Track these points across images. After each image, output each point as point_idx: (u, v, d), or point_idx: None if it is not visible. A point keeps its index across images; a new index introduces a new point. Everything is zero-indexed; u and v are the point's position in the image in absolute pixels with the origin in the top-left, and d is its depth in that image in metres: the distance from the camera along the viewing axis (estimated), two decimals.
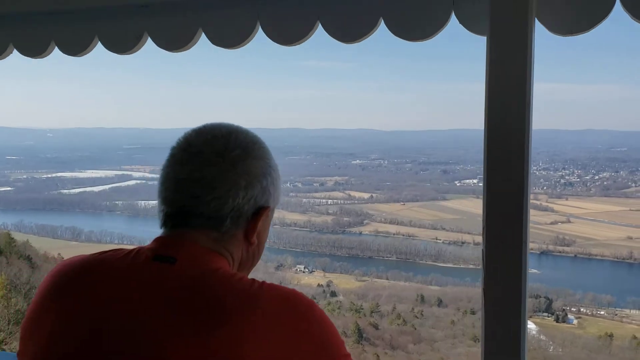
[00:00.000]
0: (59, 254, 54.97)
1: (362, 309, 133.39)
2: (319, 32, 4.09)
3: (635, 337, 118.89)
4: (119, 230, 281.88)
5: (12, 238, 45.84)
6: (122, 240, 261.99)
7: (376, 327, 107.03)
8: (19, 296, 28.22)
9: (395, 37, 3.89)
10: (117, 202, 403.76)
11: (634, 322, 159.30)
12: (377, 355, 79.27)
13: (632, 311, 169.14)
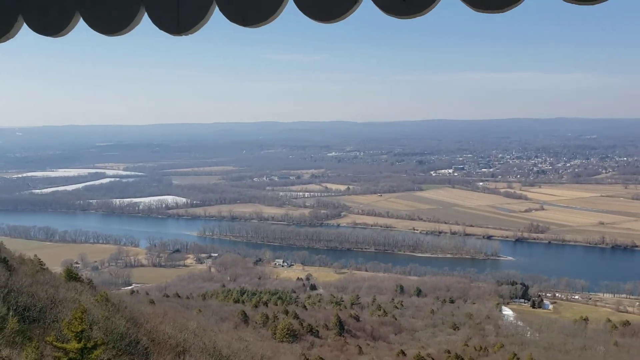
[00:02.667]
0: (36, 255, 54.14)
1: (342, 301, 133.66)
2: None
3: (609, 320, 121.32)
4: (94, 229, 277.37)
5: None
6: (97, 239, 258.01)
7: (357, 319, 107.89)
8: None
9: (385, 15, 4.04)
10: (91, 201, 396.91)
11: (607, 305, 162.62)
12: (359, 347, 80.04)
13: (605, 295, 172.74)
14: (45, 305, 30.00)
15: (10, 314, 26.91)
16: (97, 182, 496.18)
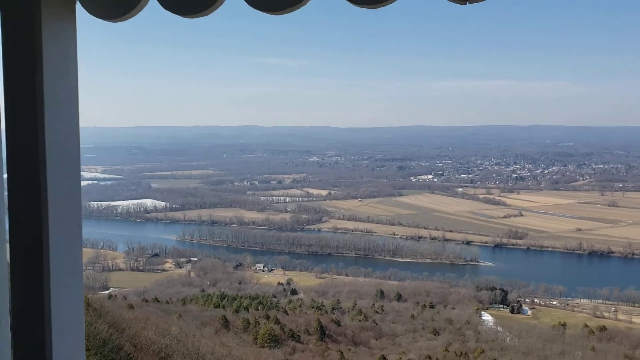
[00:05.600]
0: None
1: (323, 306, 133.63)
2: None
3: (586, 326, 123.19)
4: None
5: None
6: None
7: (338, 323, 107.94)
8: None
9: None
10: None
11: (584, 311, 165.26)
12: (341, 352, 79.97)
13: (582, 300, 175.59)
14: None
15: None
16: None
